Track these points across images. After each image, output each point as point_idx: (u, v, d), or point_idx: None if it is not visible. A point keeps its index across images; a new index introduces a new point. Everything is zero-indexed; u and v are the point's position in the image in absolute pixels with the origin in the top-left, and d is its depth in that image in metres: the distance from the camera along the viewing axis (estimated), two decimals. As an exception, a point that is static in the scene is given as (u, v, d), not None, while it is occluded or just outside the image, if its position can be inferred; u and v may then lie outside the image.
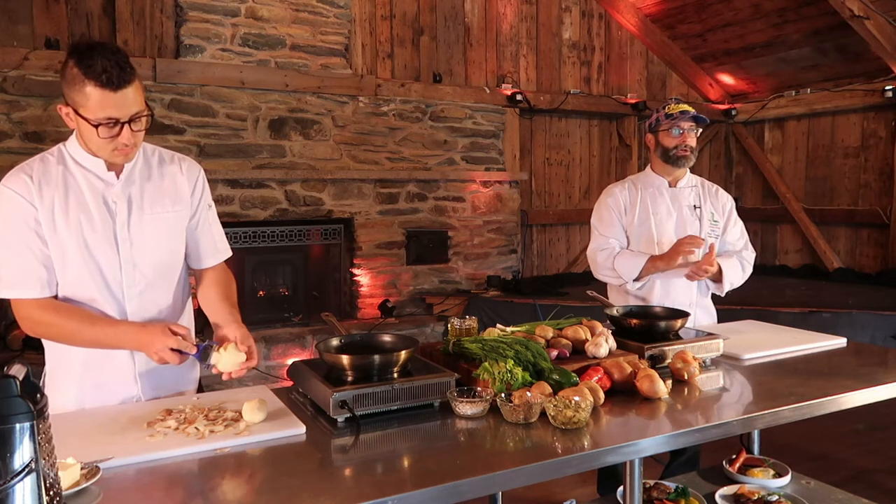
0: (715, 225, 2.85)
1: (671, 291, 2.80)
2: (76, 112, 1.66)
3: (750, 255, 2.88)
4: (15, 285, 1.72)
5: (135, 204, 1.81)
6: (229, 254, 2.05)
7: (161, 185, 1.87)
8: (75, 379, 1.83)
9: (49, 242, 1.73)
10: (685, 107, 2.80)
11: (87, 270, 1.76)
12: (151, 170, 1.87)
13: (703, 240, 2.70)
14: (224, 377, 1.76)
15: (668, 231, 2.82)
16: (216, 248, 2.01)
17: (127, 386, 1.85)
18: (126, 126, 1.67)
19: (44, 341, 1.85)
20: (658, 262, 2.71)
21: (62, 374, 1.84)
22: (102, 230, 1.76)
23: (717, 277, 2.77)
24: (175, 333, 1.71)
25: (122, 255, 1.79)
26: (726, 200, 2.94)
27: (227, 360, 1.73)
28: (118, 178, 1.79)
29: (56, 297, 1.77)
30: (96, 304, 1.79)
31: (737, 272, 2.81)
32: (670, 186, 2.87)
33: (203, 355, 1.73)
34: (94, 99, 1.62)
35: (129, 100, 1.65)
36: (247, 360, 1.77)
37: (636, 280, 2.77)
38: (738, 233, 2.91)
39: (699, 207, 2.86)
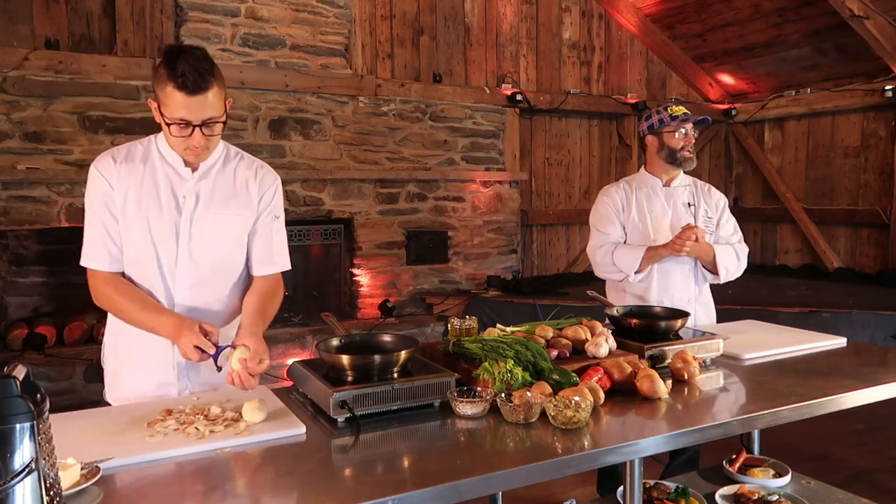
0: (709, 221, 2.89)
1: (670, 286, 2.81)
2: (158, 108, 1.78)
3: (744, 248, 2.89)
4: (90, 257, 1.88)
5: (202, 200, 1.90)
6: (286, 267, 2.08)
7: (233, 188, 1.95)
8: (121, 355, 1.96)
9: (119, 222, 1.86)
10: (683, 108, 2.84)
11: (146, 255, 1.87)
12: (227, 171, 1.96)
13: (703, 230, 2.72)
14: (227, 379, 1.76)
15: (664, 228, 2.85)
16: (271, 259, 2.04)
17: (165, 373, 1.92)
18: (198, 129, 1.76)
19: (108, 315, 1.99)
20: (661, 250, 2.73)
21: (113, 349, 1.99)
22: (168, 220, 1.87)
23: (713, 267, 2.78)
24: (204, 332, 1.76)
25: (181, 246, 1.88)
26: (719, 198, 2.97)
27: (231, 361, 1.75)
28: (193, 174, 1.90)
29: (123, 273, 1.90)
30: (150, 288, 1.90)
31: (731, 259, 2.81)
32: (665, 186, 2.89)
33: (220, 358, 1.76)
34: (171, 99, 1.73)
35: (206, 105, 1.74)
36: (255, 365, 1.74)
37: (637, 272, 2.78)
38: (731, 228, 2.93)
39: (693, 205, 2.89)
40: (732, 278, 2.85)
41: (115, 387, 1.97)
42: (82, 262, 1.89)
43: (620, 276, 2.82)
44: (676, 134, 2.78)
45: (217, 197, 1.92)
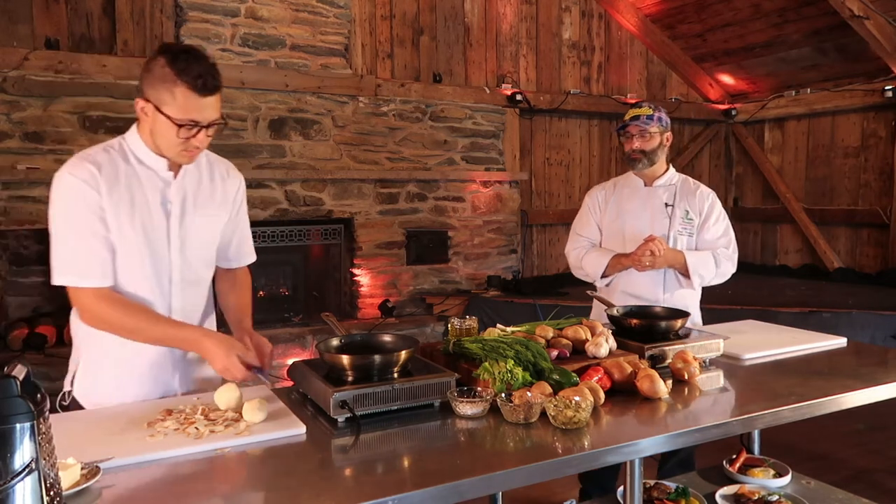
0: (689, 223, 2.79)
1: (635, 288, 2.76)
2: (157, 109, 1.69)
3: (729, 253, 2.78)
4: (77, 273, 1.73)
5: (188, 203, 1.87)
6: (255, 258, 2.13)
7: (211, 188, 1.93)
8: (112, 372, 1.85)
9: (111, 232, 1.76)
10: (635, 111, 2.80)
11: (140, 265, 1.80)
12: (202, 172, 1.93)
13: (662, 242, 2.64)
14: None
15: (638, 228, 2.79)
16: (249, 251, 2.11)
17: (165, 377, 1.89)
18: (203, 130, 1.73)
19: (74, 335, 1.91)
20: (623, 260, 2.72)
21: (98, 367, 1.87)
22: (160, 226, 1.82)
23: (684, 270, 2.71)
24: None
25: (173, 252, 1.85)
26: (706, 199, 2.83)
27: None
28: (175, 177, 1.85)
29: (113, 287, 1.78)
30: (145, 297, 1.82)
31: (706, 265, 2.71)
32: (646, 185, 2.87)
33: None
34: (182, 100, 1.67)
35: (213, 106, 1.73)
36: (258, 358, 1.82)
37: (603, 277, 2.81)
38: (719, 231, 2.80)
39: (671, 205, 2.82)
40: (710, 284, 2.77)
41: (96, 391, 1.85)
42: (63, 281, 1.72)
43: (590, 280, 2.89)
44: (629, 136, 2.80)
45: (199, 198, 1.90)
